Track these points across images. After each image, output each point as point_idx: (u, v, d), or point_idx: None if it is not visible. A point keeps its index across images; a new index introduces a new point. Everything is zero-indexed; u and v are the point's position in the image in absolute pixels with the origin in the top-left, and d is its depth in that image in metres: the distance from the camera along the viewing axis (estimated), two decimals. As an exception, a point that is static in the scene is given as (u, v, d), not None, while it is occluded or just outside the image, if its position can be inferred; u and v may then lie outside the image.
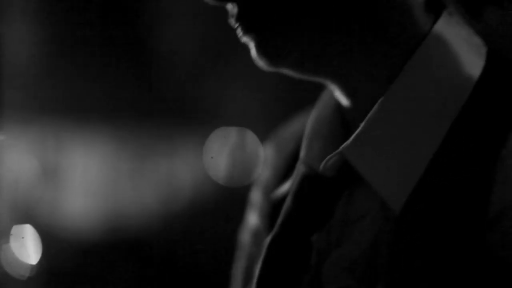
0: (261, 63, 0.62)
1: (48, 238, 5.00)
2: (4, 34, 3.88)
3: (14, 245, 4.86)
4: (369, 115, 0.60)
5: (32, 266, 4.83)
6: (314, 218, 0.63)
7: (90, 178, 5.70)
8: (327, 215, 0.62)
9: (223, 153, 3.72)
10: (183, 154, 3.98)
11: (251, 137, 3.47)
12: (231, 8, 0.63)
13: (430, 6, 0.61)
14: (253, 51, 0.62)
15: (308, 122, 0.69)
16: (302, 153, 0.67)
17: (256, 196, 0.75)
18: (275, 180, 0.73)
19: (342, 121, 0.66)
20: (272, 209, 0.71)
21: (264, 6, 0.61)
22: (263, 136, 3.40)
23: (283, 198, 0.68)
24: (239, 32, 0.62)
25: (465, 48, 0.60)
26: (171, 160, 5.16)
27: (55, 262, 4.83)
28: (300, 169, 0.66)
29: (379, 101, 0.60)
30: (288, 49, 0.62)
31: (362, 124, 0.60)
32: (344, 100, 0.65)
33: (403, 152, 0.58)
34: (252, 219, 0.74)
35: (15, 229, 4.91)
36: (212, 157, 3.86)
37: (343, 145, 0.61)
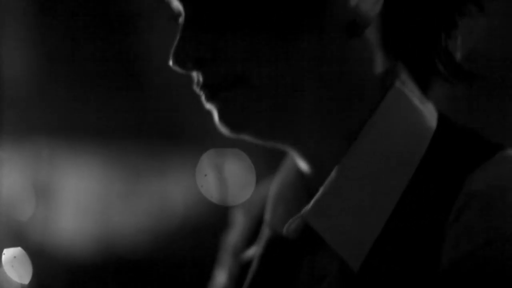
0: (222, 129, 0.65)
1: (40, 258, 4.99)
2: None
3: (5, 266, 4.84)
4: (327, 180, 0.63)
5: (24, 287, 4.82)
6: (279, 281, 0.66)
7: (83, 198, 5.69)
8: (292, 277, 0.65)
9: (215, 173, 3.73)
10: (175, 174, 3.99)
11: (242, 158, 3.48)
12: (196, 75, 0.65)
13: (385, 77, 0.65)
14: (215, 118, 0.65)
15: (272, 185, 0.72)
16: (267, 217, 0.70)
17: (224, 257, 0.78)
18: (243, 243, 0.76)
19: (305, 184, 0.69)
20: (240, 271, 0.74)
21: (227, 77, 0.63)
22: (255, 156, 3.42)
23: (250, 261, 0.71)
24: (203, 99, 0.65)
25: (416, 114, 0.64)
26: (163, 180, 5.15)
27: (47, 283, 4.82)
28: (265, 232, 0.70)
29: (336, 166, 0.63)
30: (249, 120, 0.64)
31: (321, 189, 0.63)
32: (304, 165, 0.68)
33: (361, 213, 0.61)
34: (220, 279, 0.77)
35: (7, 250, 4.90)
36: (205, 175, 3.90)
37: (303, 209, 0.63)
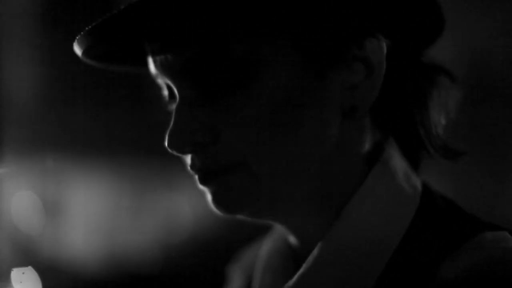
0: (216, 211, 0.65)
1: (49, 275, 4.97)
2: (4, 70, 3.88)
3: (14, 283, 4.83)
4: (310, 256, 0.64)
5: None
6: None
7: (91, 214, 5.67)
8: None
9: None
10: (184, 189, 3.98)
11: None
12: (190, 157, 0.64)
13: (372, 151, 0.67)
14: (209, 200, 0.64)
15: (261, 251, 0.74)
16: (255, 284, 0.72)
17: None
18: None
19: (292, 254, 0.71)
20: None
21: (227, 162, 0.62)
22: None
23: None
24: (196, 181, 0.65)
25: (397, 195, 0.65)
26: (171, 195, 5.13)
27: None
28: None
29: (319, 244, 0.64)
30: (245, 203, 0.64)
31: (304, 265, 0.64)
32: (291, 237, 0.69)
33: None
34: None
35: (15, 270, 4.88)
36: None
37: (288, 283, 0.65)
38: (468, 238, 0.60)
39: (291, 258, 0.72)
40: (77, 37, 0.63)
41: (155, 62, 0.64)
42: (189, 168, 0.65)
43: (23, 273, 4.60)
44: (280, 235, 0.74)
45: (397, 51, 0.65)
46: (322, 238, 0.65)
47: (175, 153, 0.64)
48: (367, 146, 0.67)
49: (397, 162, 0.67)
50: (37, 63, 4.31)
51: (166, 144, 0.64)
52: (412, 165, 0.69)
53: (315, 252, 0.64)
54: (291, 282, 0.65)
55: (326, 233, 0.65)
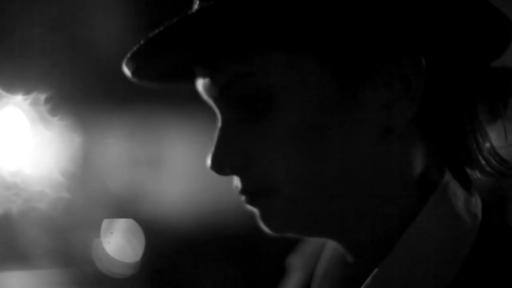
0: (266, 230, 0.65)
1: (151, 229, 5.00)
2: (93, 26, 3.86)
3: (114, 240, 4.86)
4: (370, 277, 0.62)
5: (130, 264, 4.82)
6: None
7: (190, 168, 5.68)
8: None
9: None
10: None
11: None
12: (235, 179, 0.65)
13: (428, 174, 0.64)
14: (259, 220, 0.65)
15: (324, 255, 0.73)
16: None
17: None
18: None
19: (349, 270, 0.69)
20: None
21: (260, 186, 0.63)
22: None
23: None
24: (244, 202, 0.65)
25: (457, 224, 0.62)
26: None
27: (156, 260, 4.81)
28: None
29: (379, 266, 0.62)
30: (288, 223, 0.64)
31: (364, 285, 0.62)
32: (348, 257, 0.67)
33: None
34: None
35: (110, 223, 4.92)
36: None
37: None
38: None
39: (349, 274, 0.70)
40: (125, 60, 0.67)
41: (199, 83, 0.67)
42: (235, 189, 0.66)
43: (128, 228, 4.62)
44: (337, 247, 0.72)
45: (444, 66, 0.62)
46: (378, 262, 0.63)
47: (217, 174, 0.65)
48: (417, 167, 0.63)
49: (457, 187, 0.64)
50: (122, 16, 4.26)
51: (208, 164, 0.65)
52: (464, 186, 0.65)
53: (376, 272, 0.63)
54: None
55: (383, 256, 0.64)
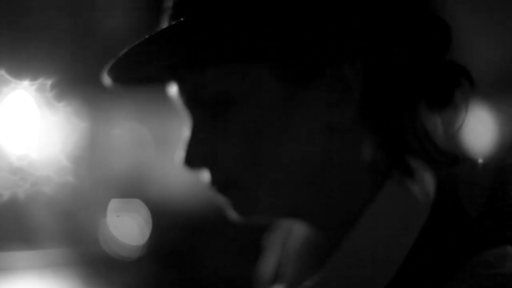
0: (234, 217, 0.73)
1: (157, 209, 5.01)
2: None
3: (120, 222, 4.88)
4: (332, 257, 0.69)
5: (137, 246, 4.84)
6: None
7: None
8: None
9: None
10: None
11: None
12: (206, 173, 0.75)
13: (379, 163, 0.71)
14: (228, 209, 0.74)
15: (296, 232, 0.81)
16: (286, 267, 0.80)
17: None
18: (268, 276, 0.86)
19: (317, 249, 0.76)
20: None
21: (223, 180, 0.72)
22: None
23: None
24: (214, 193, 0.75)
25: (410, 205, 0.68)
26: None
27: (162, 242, 4.83)
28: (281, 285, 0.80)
29: (342, 244, 0.69)
30: (252, 211, 0.73)
31: (327, 264, 0.70)
32: (315, 236, 0.75)
33: (358, 286, 0.66)
34: None
35: (117, 205, 4.94)
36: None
37: (310, 279, 0.71)
38: (468, 258, 0.65)
39: (317, 254, 0.76)
40: (105, 70, 0.77)
41: (171, 90, 0.77)
42: (206, 184, 0.75)
43: (134, 208, 4.62)
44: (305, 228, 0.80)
45: (381, 67, 0.69)
46: (338, 244, 0.71)
47: (188, 169, 0.74)
48: (368, 156, 0.70)
49: (410, 170, 0.71)
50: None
51: (182, 161, 0.74)
52: (407, 171, 0.70)
53: (337, 254, 0.70)
54: (312, 280, 0.71)
55: (342, 240, 0.70)
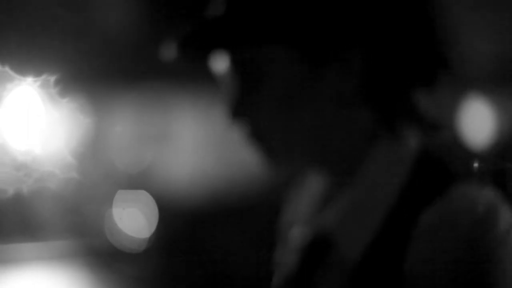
0: (266, 165, 0.88)
1: (163, 200, 5.01)
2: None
3: (126, 215, 4.86)
4: (340, 199, 0.89)
5: (142, 239, 4.83)
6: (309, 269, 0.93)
7: (198, 143, 5.69)
8: (316, 265, 0.91)
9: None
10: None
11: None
12: (245, 123, 0.87)
13: (374, 126, 0.89)
14: (259, 158, 0.88)
15: (310, 190, 0.98)
16: (306, 217, 0.94)
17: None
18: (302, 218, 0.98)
19: (329, 195, 0.93)
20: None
21: (260, 130, 0.87)
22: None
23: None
24: (249, 142, 0.87)
25: (399, 154, 0.89)
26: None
27: (168, 234, 4.82)
28: (303, 227, 0.94)
29: (346, 193, 0.88)
30: (286, 158, 0.88)
31: (336, 202, 0.89)
32: (327, 183, 0.92)
33: (362, 220, 0.88)
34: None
35: (123, 197, 4.92)
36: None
37: (321, 216, 0.90)
38: (446, 191, 0.83)
39: (331, 193, 0.92)
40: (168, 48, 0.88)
41: (221, 62, 0.89)
42: (243, 135, 0.89)
43: (139, 199, 4.60)
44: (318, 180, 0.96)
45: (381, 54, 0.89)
46: (346, 192, 0.89)
47: (231, 119, 0.88)
48: (366, 122, 0.89)
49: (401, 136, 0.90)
50: None
51: (228, 113, 0.87)
52: (396, 135, 0.89)
53: (344, 198, 0.89)
54: (328, 212, 0.89)
55: (349, 188, 0.89)
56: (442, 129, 0.90)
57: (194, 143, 5.60)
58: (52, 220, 4.62)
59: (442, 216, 0.82)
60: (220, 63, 0.90)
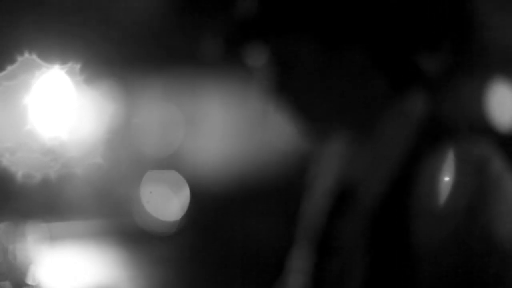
0: (302, 131, 1.02)
1: (191, 181, 5.01)
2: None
3: (156, 197, 4.87)
4: (362, 146, 1.02)
5: (172, 221, 4.84)
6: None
7: (226, 126, 5.69)
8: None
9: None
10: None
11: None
12: (284, 99, 1.00)
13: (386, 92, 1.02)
14: (297, 124, 1.00)
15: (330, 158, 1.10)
16: (337, 174, 1.06)
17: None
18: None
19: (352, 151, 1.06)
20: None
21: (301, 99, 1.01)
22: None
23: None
24: (289, 115, 1.01)
25: (407, 114, 1.01)
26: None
27: (198, 215, 4.83)
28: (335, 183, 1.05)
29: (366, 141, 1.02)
30: (322, 122, 1.02)
31: (359, 152, 1.02)
32: (345, 139, 1.05)
33: (378, 173, 0.99)
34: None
35: (153, 177, 4.93)
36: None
37: (345, 166, 1.05)
38: (447, 144, 0.94)
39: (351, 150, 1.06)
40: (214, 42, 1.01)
41: (258, 52, 1.02)
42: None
43: (172, 181, 4.60)
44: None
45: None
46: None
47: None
48: (379, 89, 1.01)
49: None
50: None
51: (268, 93, 1.01)
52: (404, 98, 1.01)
53: (365, 145, 1.01)
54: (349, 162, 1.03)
55: (366, 142, 1.01)
56: (448, 93, 0.96)
57: (222, 126, 5.60)
58: (81, 201, 4.64)
59: (443, 165, 0.93)
60: (256, 53, 1.02)
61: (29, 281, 0.94)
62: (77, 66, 2.02)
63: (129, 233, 4.57)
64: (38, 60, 1.89)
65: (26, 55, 1.83)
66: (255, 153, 5.50)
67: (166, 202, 4.89)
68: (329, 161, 1.10)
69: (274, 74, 1.01)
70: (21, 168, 1.87)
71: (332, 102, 1.02)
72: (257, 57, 1.01)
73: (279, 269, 1.16)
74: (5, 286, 0.92)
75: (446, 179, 0.93)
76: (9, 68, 1.83)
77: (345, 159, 1.06)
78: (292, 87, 1.01)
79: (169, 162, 5.26)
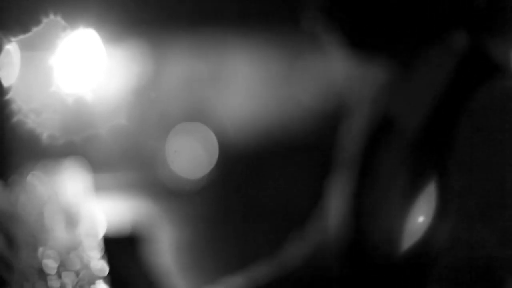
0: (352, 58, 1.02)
1: (220, 135, 5.02)
2: None
3: (183, 150, 4.88)
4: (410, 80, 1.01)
5: (198, 179, 4.86)
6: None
7: (250, 83, 5.69)
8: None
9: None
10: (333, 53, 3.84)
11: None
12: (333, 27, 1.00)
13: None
14: (347, 51, 1.00)
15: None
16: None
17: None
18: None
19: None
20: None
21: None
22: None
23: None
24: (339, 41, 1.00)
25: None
26: (322, 63, 5.06)
27: (225, 172, 4.84)
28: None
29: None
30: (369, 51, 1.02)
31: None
32: (386, 68, 1.04)
33: (419, 100, 0.98)
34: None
35: (180, 128, 4.93)
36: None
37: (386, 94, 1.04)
38: (489, 80, 0.93)
39: None
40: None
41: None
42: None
43: (201, 133, 4.59)
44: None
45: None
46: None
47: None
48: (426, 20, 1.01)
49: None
50: None
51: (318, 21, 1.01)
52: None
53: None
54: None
55: (408, 73, 1.02)
56: (497, 30, 1.01)
57: (250, 83, 5.60)
58: (108, 159, 4.66)
59: (483, 100, 0.92)
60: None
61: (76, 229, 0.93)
62: (103, 26, 2.02)
63: (155, 189, 4.60)
64: (63, 22, 1.89)
65: (51, 16, 1.83)
66: (283, 109, 5.50)
67: (192, 159, 4.91)
68: (371, 90, 1.11)
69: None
70: (46, 129, 1.89)
71: (379, 30, 1.00)
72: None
73: (306, 226, 1.16)
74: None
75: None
76: (34, 30, 1.83)
77: (387, 89, 1.05)
78: (340, 12, 1.00)
79: (197, 120, 5.28)
